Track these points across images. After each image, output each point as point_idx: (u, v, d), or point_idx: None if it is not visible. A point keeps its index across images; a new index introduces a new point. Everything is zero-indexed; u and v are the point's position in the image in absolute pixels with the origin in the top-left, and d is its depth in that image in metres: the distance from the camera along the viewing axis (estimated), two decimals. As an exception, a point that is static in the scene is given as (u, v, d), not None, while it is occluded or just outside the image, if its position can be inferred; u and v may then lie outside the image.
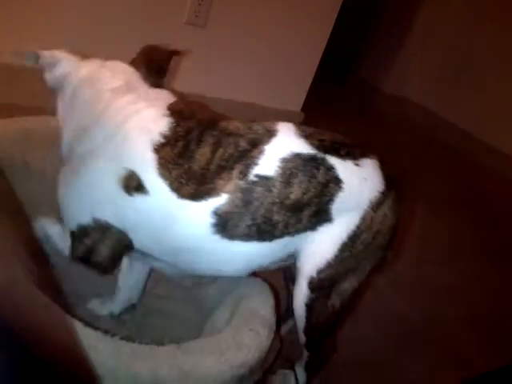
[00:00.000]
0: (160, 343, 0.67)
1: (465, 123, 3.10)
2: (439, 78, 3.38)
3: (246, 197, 0.68)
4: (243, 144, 0.70)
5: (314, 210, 0.71)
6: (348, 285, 0.80)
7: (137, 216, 0.70)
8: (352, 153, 0.74)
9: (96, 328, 0.59)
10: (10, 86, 1.54)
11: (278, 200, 0.69)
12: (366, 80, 3.76)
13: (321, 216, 0.72)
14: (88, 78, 0.77)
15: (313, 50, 2.15)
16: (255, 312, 0.75)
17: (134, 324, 0.91)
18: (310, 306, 0.78)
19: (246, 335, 0.68)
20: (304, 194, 0.70)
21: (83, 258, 0.75)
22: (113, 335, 0.68)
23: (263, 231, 0.70)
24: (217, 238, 0.69)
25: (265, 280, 0.87)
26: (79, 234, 0.74)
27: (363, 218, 0.74)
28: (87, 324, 0.60)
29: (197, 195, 0.67)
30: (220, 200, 0.68)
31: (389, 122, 3.40)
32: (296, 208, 0.70)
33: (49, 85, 0.81)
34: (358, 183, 0.73)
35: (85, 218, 0.72)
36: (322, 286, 0.76)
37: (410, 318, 1.35)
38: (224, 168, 0.68)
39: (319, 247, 0.74)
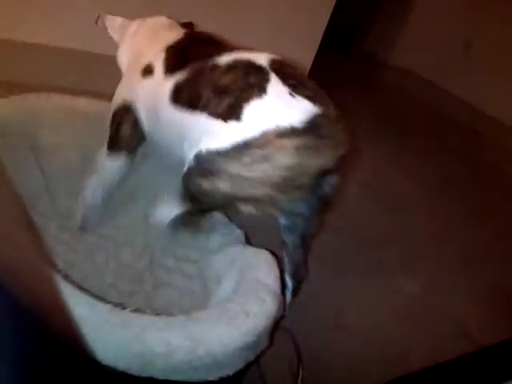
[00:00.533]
0: (170, 315, 0.70)
1: (472, 98, 3.05)
2: (446, 50, 3.30)
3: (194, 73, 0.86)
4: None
5: (232, 102, 0.78)
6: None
7: (143, 92, 0.96)
8: (298, 89, 0.78)
9: (107, 302, 0.61)
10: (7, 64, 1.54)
11: (212, 81, 0.81)
12: (371, 52, 3.72)
13: (234, 110, 0.77)
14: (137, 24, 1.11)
15: (316, 20, 2.12)
16: (260, 281, 0.76)
17: (145, 296, 0.93)
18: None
19: (254, 303, 0.70)
20: (232, 82, 0.79)
21: (114, 137, 1.01)
22: (123, 308, 0.69)
23: (192, 101, 0.84)
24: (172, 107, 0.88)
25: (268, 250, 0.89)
26: (113, 115, 1.01)
27: (262, 135, 0.75)
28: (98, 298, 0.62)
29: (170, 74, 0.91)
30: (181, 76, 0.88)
31: (390, 93, 3.38)
32: (221, 91, 0.79)
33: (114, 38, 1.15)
34: (279, 107, 0.76)
35: (119, 101, 1.01)
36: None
37: (411, 289, 1.37)
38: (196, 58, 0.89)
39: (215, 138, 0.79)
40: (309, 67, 2.27)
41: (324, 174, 0.81)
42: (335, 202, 1.57)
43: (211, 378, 0.62)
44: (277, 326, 0.87)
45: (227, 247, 0.93)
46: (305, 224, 0.94)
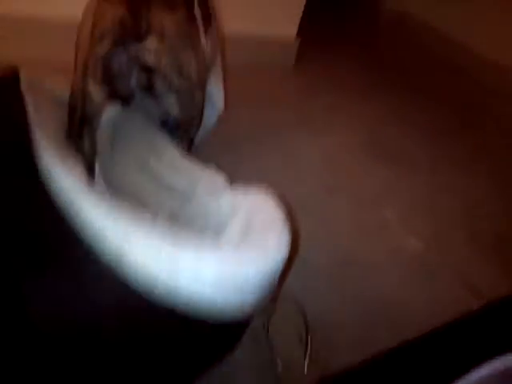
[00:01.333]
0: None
1: (472, 42, 2.94)
2: None
3: None
4: None
5: None
6: None
7: None
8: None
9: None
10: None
11: None
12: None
13: None
14: None
15: None
16: (271, 220, 0.70)
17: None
18: None
19: (271, 237, 0.64)
20: None
21: None
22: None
23: None
24: None
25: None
26: None
27: None
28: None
29: None
30: None
31: (388, 38, 3.29)
32: None
33: None
34: None
35: None
36: None
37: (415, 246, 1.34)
38: None
39: None
40: (298, 21, 2.15)
41: None
42: (333, 163, 1.53)
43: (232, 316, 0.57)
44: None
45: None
46: None
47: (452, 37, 3.07)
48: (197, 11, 0.91)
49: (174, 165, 0.98)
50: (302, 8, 2.10)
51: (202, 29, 0.92)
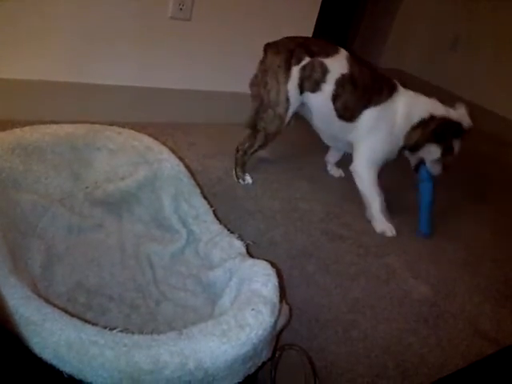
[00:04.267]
0: (173, 330, 0.70)
1: (462, 90, 3.09)
2: (434, 47, 3.40)
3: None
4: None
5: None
6: None
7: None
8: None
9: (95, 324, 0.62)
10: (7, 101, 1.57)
11: None
12: (361, 56, 3.76)
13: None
14: None
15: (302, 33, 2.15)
16: (257, 292, 0.76)
17: (147, 311, 0.94)
18: None
19: (248, 315, 0.70)
20: None
21: None
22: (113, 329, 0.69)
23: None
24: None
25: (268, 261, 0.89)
26: None
27: None
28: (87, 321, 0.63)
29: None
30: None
31: None
32: None
33: None
34: None
35: None
36: None
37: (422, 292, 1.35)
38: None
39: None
40: None
41: None
42: (338, 211, 1.59)
43: (205, 392, 0.62)
44: (279, 336, 0.87)
45: (227, 261, 0.93)
46: None
47: (444, 88, 3.24)
48: (296, 66, 1.57)
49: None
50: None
51: (296, 77, 1.57)
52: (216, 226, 1.04)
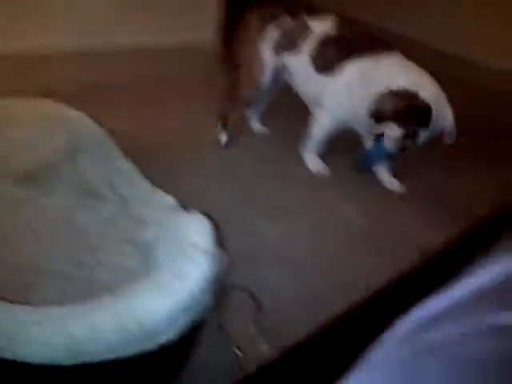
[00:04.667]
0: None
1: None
2: None
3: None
4: None
5: None
6: None
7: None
8: None
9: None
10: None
11: None
12: None
13: None
14: None
15: None
16: (193, 244, 0.75)
17: (83, 281, 0.91)
18: None
19: (184, 266, 0.69)
20: None
21: None
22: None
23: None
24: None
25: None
26: None
27: None
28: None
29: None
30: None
31: None
32: None
33: None
34: None
35: None
36: None
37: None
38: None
39: None
40: (213, 23, 2.18)
41: None
42: (275, 156, 1.59)
43: (149, 347, 0.61)
44: (224, 284, 0.88)
45: (159, 218, 0.91)
46: None
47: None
48: (273, 27, 1.51)
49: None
50: (215, 13, 2.15)
51: (272, 39, 1.50)
52: (145, 185, 1.01)
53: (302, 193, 1.47)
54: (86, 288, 0.88)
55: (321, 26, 1.48)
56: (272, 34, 1.49)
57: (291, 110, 1.69)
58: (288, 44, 1.50)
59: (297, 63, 1.52)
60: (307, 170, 1.59)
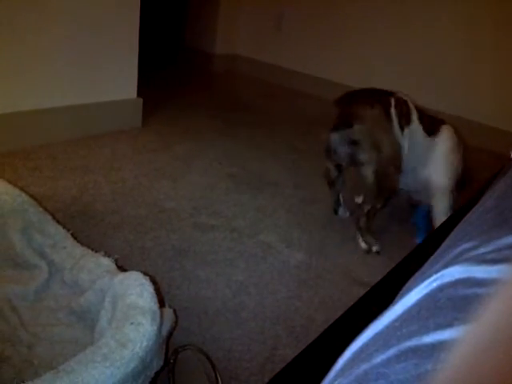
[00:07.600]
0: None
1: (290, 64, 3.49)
2: (261, 27, 3.61)
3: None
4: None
5: None
6: None
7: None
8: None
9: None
10: None
11: None
12: (195, 46, 3.83)
13: None
14: None
15: (128, 31, 2.10)
16: (133, 305, 0.74)
17: (21, 359, 0.85)
18: None
19: (128, 330, 0.67)
20: None
21: None
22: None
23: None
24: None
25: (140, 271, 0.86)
26: None
27: None
28: None
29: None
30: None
31: (225, 79, 3.65)
32: None
33: None
34: None
35: None
36: None
37: (300, 259, 1.43)
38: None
39: None
40: (135, 82, 2.21)
41: None
42: (204, 203, 1.61)
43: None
44: (169, 341, 0.86)
45: (96, 282, 0.88)
46: None
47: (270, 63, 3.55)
48: (393, 110, 1.40)
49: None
50: (136, 71, 2.16)
51: (396, 121, 1.40)
52: (78, 250, 0.98)
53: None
54: (25, 366, 0.82)
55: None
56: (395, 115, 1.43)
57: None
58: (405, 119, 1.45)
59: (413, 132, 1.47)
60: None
